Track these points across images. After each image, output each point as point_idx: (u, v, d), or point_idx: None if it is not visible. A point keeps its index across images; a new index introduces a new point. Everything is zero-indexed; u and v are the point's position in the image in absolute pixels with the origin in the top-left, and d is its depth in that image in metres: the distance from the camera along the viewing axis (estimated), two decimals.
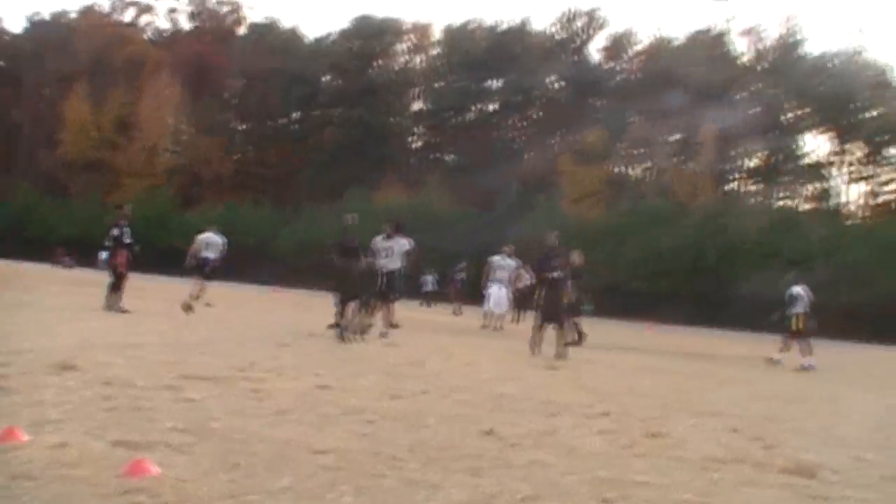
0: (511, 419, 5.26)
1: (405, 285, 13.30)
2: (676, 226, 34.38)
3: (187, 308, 12.93)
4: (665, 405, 6.62)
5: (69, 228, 43.14)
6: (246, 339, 9.29)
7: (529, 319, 14.74)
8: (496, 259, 16.17)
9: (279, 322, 13.10)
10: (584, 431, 5.09)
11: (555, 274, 10.44)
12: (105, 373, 5.57)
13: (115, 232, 12.62)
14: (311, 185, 47.20)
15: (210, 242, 16.21)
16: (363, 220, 11.85)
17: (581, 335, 13.16)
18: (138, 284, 14.08)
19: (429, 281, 28.04)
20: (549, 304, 10.44)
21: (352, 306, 10.09)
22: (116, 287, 12.25)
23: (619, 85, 44.12)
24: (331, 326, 10.31)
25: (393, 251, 11.34)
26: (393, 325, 11.64)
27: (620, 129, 41.27)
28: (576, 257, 12.83)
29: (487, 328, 15.85)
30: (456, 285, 25.77)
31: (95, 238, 14.90)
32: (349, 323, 9.85)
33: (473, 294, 24.84)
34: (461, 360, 9.15)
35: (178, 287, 17.18)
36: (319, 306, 21.50)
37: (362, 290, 10.35)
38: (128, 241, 12.56)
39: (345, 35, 50.08)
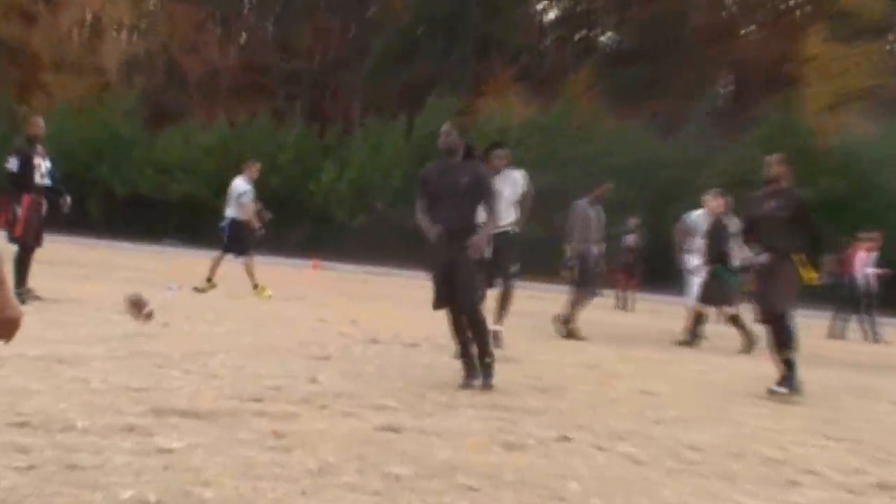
0: (710, 488, 5.18)
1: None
2: None
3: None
4: None
5: None
6: (264, 346, 9.48)
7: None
8: (695, 217, 15.74)
9: (321, 318, 13.35)
10: None
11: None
12: (18, 405, 5.63)
13: (12, 164, 12.01)
14: (372, 89, 47.64)
15: (231, 193, 17.17)
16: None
17: (750, 337, 13.40)
18: (89, 258, 14.41)
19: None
20: (778, 283, 9.84)
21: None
22: (23, 261, 11.99)
23: None
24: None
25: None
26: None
27: None
28: None
29: (702, 338, 15.19)
30: (625, 259, 24.92)
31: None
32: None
33: (654, 275, 24.58)
34: (626, 386, 9.08)
35: (151, 259, 17.72)
36: (386, 292, 21.74)
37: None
38: (41, 181, 12.18)
39: None
